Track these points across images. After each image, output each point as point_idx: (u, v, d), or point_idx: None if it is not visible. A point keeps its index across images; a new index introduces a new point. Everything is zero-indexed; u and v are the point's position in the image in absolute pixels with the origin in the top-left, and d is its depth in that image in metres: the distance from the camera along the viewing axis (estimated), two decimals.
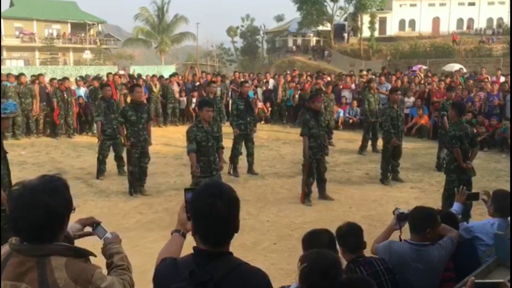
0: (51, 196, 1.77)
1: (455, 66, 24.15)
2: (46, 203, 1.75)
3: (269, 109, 16.79)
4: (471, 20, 49.68)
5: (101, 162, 9.08)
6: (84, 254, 1.88)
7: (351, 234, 3.10)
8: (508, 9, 47.60)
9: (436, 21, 50.13)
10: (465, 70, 22.59)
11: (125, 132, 7.94)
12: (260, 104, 16.53)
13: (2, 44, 35.44)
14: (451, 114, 6.46)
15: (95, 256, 1.83)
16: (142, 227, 6.49)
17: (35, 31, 44.36)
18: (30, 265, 1.74)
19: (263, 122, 16.12)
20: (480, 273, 3.19)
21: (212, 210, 1.71)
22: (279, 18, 59.63)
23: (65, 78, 14.35)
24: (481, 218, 5.24)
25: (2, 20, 38.47)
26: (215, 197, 1.72)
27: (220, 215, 1.71)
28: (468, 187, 5.86)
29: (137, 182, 7.99)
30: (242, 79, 15.27)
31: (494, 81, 14.56)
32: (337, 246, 3.01)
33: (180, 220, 2.09)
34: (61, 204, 1.80)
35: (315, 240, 2.88)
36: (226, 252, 1.77)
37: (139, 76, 17.95)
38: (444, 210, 4.33)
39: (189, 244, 1.88)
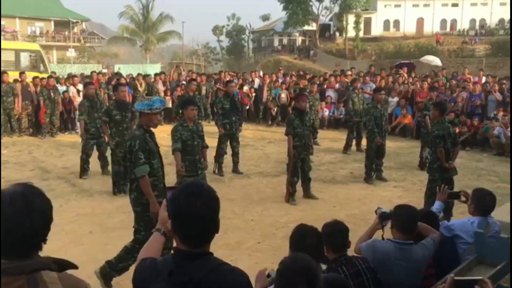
0: (41, 199, 1.68)
1: (433, 60, 24.23)
2: (41, 207, 1.65)
3: (253, 95, 16.88)
4: (454, 21, 50.30)
5: (85, 161, 8.98)
6: (68, 267, 1.77)
7: (337, 233, 3.10)
8: (491, 11, 48.44)
9: (420, 21, 50.65)
10: (440, 64, 22.97)
11: (109, 131, 7.88)
12: (245, 89, 16.82)
13: None
14: (434, 114, 6.53)
15: (77, 268, 1.79)
16: (126, 227, 6.39)
17: (18, 28, 43.60)
18: (19, 284, 1.58)
19: (247, 107, 16.53)
20: (461, 270, 3.24)
21: (190, 209, 1.69)
22: (265, 18, 59.64)
23: (50, 76, 14.17)
24: (462, 216, 5.30)
25: None
26: (194, 197, 1.70)
27: (199, 215, 1.69)
28: (450, 186, 5.94)
29: (121, 182, 7.94)
30: (228, 78, 15.27)
31: (476, 82, 14.78)
32: None
33: (161, 219, 2.08)
34: (50, 208, 1.71)
35: (302, 242, 2.85)
36: (206, 252, 1.75)
37: (120, 75, 17.77)
38: (424, 209, 4.37)
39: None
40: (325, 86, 16.32)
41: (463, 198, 4.05)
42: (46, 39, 44.87)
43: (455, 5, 50.43)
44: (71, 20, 45.55)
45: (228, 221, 6.43)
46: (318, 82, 15.61)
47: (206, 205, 1.72)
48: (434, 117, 6.60)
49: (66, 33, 45.89)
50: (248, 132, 13.84)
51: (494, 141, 11.63)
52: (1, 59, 21.04)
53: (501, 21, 48.24)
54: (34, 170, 9.55)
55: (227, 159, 9.51)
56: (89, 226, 6.43)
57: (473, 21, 49.72)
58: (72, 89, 14.38)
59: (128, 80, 16.00)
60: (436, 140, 6.21)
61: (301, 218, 6.78)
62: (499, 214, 4.50)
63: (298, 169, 7.62)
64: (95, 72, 16.18)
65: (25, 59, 20.59)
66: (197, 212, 1.69)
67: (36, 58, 20.97)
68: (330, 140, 13.14)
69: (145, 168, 4.59)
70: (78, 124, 10.73)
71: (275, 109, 16.07)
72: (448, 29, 49.65)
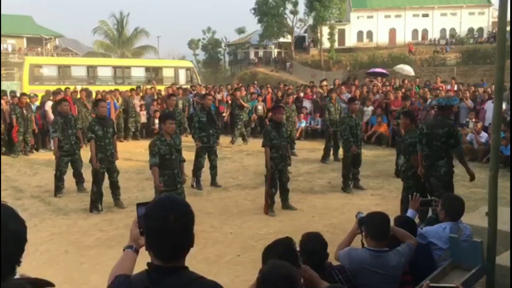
0: (15, 222, 1.62)
1: (406, 69, 24.69)
2: (14, 230, 1.60)
3: (230, 102, 16.84)
4: (425, 31, 51.46)
5: (59, 179, 8.82)
6: (43, 285, 1.70)
7: (315, 251, 3.04)
8: (460, 20, 49.77)
9: (392, 32, 51.66)
10: (412, 73, 23.62)
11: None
12: (219, 96, 16.97)
13: None
14: (405, 122, 6.63)
15: (54, 286, 1.74)
16: (102, 245, 6.33)
17: None
18: None
19: (224, 114, 16.68)
20: (436, 276, 3.28)
21: (164, 224, 1.68)
22: (241, 31, 59.84)
23: (23, 94, 13.93)
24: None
25: None
26: (168, 211, 1.70)
27: (173, 229, 1.69)
28: (424, 193, 6.03)
29: (99, 200, 7.83)
30: (205, 92, 15.27)
31: (448, 89, 15.12)
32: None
33: (132, 236, 2.06)
34: (24, 230, 1.65)
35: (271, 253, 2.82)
36: (181, 267, 1.74)
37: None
38: (403, 216, 4.42)
39: (144, 259, 1.84)
40: (302, 95, 16.48)
41: (435, 206, 4.11)
42: (19, 56, 44.13)
43: (425, 15, 51.68)
44: (44, 36, 45.02)
45: (207, 235, 6.39)
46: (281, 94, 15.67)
47: (180, 219, 1.71)
48: (405, 126, 6.70)
49: (39, 49, 45.28)
50: (225, 144, 13.83)
51: (467, 147, 11.86)
52: (163, 75, 24.30)
53: (470, 30, 49.63)
54: (7, 189, 9.32)
55: (205, 172, 9.47)
56: (65, 245, 6.30)
57: (443, 30, 50.96)
58: (49, 103, 14.15)
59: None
60: (410, 148, 6.31)
61: (280, 229, 6.79)
62: (473, 218, 4.60)
63: (276, 180, 7.64)
64: (69, 88, 15.97)
65: (182, 75, 24.02)
66: (171, 227, 1.68)
67: (190, 73, 24.50)
68: (307, 151, 13.21)
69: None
70: (52, 141, 10.56)
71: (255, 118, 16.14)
72: (419, 38, 50.78)
